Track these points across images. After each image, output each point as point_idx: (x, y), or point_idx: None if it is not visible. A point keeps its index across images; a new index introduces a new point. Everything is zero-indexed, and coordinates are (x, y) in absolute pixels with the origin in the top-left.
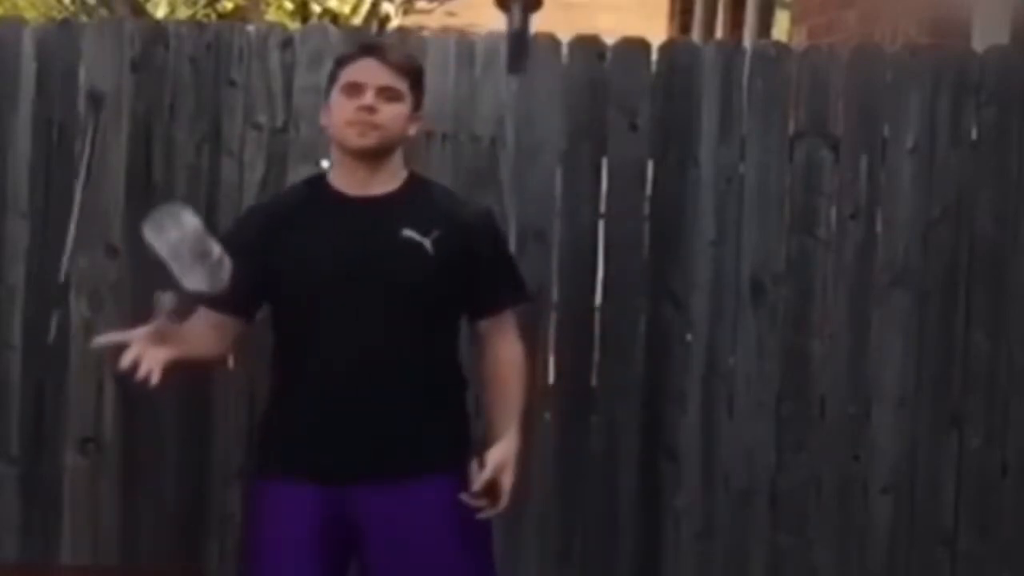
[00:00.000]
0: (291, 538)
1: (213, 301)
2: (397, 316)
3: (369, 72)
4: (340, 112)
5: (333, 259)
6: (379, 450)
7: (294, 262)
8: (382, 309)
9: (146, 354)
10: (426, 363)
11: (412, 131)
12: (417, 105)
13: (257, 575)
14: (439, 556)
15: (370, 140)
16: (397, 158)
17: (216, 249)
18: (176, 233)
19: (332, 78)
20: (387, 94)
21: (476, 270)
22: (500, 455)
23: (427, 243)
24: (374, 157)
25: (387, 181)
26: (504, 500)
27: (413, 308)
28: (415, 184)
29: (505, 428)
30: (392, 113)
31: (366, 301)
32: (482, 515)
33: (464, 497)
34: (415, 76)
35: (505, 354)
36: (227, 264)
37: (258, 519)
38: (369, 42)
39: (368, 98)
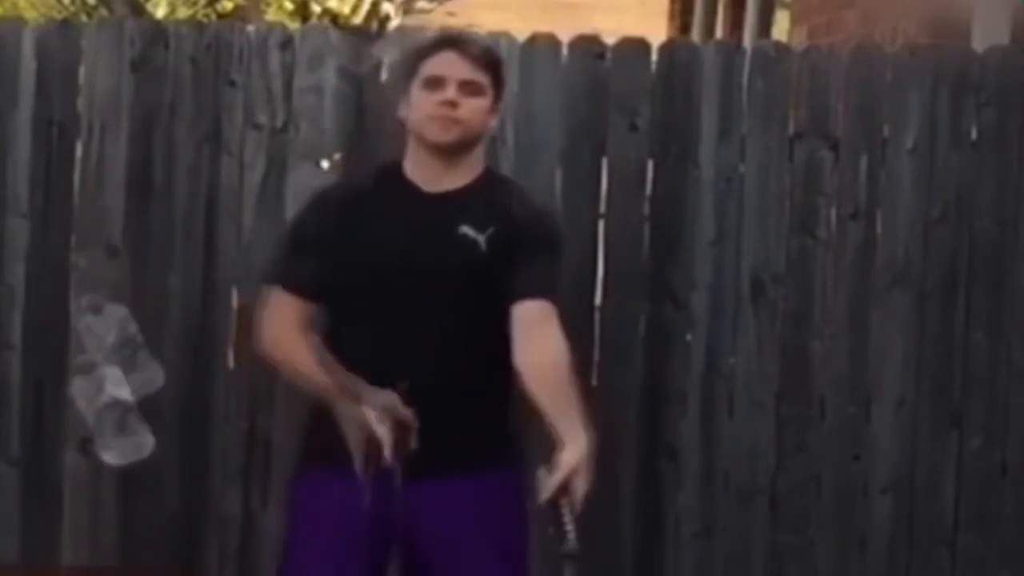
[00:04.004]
0: (335, 531)
1: (304, 293)
2: (448, 310)
3: (451, 65)
4: (421, 107)
5: (392, 252)
6: (430, 445)
7: (357, 253)
8: (435, 303)
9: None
10: (477, 357)
11: (492, 123)
12: (497, 97)
13: (299, 568)
14: (486, 551)
15: (452, 135)
16: (477, 153)
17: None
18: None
19: (411, 71)
20: (469, 88)
21: (517, 261)
22: (571, 457)
23: (481, 239)
24: (453, 152)
25: (461, 176)
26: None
27: (464, 302)
28: (487, 180)
29: (566, 429)
30: (473, 107)
31: (419, 295)
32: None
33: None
34: (496, 69)
35: (541, 344)
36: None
37: (301, 512)
38: (449, 34)
39: (450, 92)
